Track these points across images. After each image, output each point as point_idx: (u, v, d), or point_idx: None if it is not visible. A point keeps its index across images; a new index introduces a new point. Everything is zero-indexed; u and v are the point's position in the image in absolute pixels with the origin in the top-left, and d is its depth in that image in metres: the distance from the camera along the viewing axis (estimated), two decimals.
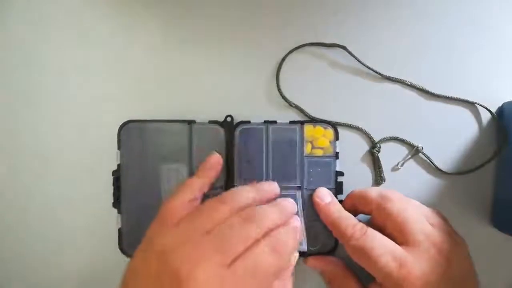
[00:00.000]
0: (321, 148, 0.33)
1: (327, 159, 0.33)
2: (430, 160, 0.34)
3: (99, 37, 0.35)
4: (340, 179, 0.33)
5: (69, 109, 0.34)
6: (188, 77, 0.34)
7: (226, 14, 0.34)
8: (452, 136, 0.34)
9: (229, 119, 0.33)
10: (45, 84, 0.35)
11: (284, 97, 0.34)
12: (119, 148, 0.32)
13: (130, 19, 0.35)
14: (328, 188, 0.32)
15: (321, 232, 0.32)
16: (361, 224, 0.29)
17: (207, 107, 0.34)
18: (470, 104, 0.34)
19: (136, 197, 0.32)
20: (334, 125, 0.33)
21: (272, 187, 0.31)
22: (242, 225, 0.26)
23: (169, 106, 0.34)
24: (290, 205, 0.29)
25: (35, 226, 0.34)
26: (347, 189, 0.33)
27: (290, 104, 0.34)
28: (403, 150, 0.35)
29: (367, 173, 0.35)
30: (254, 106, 0.34)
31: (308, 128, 0.33)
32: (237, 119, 0.33)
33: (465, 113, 0.35)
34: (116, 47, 0.35)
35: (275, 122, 0.33)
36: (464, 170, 0.34)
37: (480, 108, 0.34)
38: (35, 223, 0.34)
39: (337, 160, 0.33)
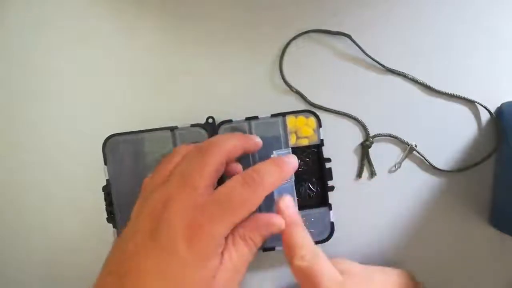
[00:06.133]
0: (306, 137, 0.33)
1: (313, 148, 0.33)
2: (424, 158, 0.34)
3: (99, 38, 0.35)
4: (328, 165, 0.33)
5: (68, 109, 0.35)
6: (190, 76, 0.35)
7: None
8: (450, 134, 0.34)
9: (210, 120, 0.33)
10: (44, 85, 0.35)
11: (286, 82, 0.34)
12: (105, 163, 0.32)
13: (130, 19, 0.35)
14: (317, 176, 0.33)
15: (317, 220, 0.32)
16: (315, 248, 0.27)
17: (216, 102, 0.35)
18: (469, 103, 0.34)
19: (130, 210, 0.32)
20: (315, 113, 0.33)
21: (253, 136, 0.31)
22: (198, 157, 0.26)
23: (173, 107, 0.35)
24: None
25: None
26: (334, 176, 0.33)
27: (291, 89, 0.34)
28: (397, 148, 0.34)
29: (356, 165, 0.35)
30: (256, 91, 0.35)
31: (290, 119, 0.33)
32: (240, 104, 0.34)
33: (464, 111, 0.34)
34: (115, 48, 0.35)
35: (256, 117, 0.33)
36: (460, 168, 0.34)
37: (479, 107, 0.34)
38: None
39: (323, 147, 0.33)
